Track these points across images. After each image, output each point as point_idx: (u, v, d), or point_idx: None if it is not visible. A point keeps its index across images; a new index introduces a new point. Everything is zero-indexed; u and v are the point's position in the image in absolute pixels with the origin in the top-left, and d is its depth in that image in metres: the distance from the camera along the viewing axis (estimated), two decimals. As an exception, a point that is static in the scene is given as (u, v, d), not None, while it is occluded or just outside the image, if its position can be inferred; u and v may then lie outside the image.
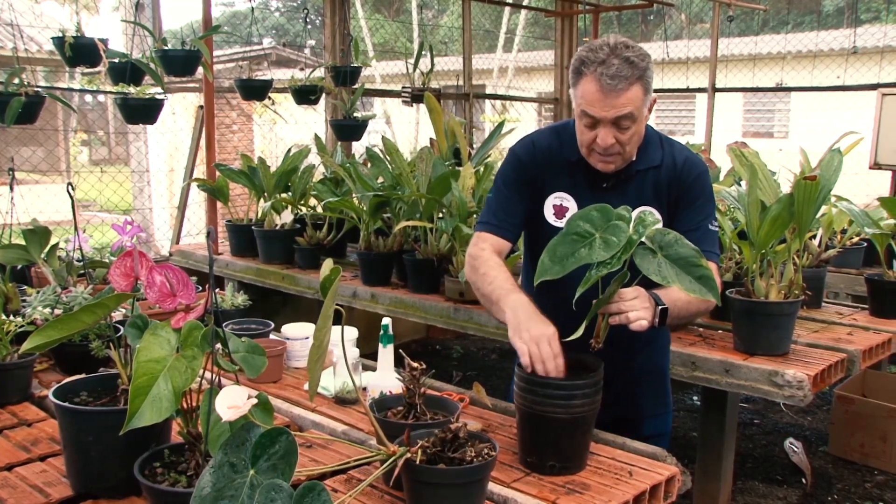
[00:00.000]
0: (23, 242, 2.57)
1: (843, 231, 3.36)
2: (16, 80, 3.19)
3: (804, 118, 12.30)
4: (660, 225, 1.51)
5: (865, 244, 3.48)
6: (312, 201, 4.05)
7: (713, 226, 1.90)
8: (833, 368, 2.38)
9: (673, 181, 1.89)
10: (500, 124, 3.70)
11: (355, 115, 4.50)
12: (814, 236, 3.11)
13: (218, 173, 4.01)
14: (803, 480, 3.55)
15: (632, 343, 1.89)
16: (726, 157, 2.58)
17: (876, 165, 5.14)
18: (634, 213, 1.70)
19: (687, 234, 1.65)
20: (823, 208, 2.93)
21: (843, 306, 3.10)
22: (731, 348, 2.48)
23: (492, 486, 1.47)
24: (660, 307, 1.64)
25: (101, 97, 10.47)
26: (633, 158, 1.87)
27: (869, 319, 2.88)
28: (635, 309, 1.60)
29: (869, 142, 4.99)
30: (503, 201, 1.96)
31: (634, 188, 1.89)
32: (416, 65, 4.88)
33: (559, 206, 1.95)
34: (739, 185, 2.99)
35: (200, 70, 3.82)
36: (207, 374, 1.31)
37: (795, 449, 3.73)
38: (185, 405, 1.34)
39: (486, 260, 1.87)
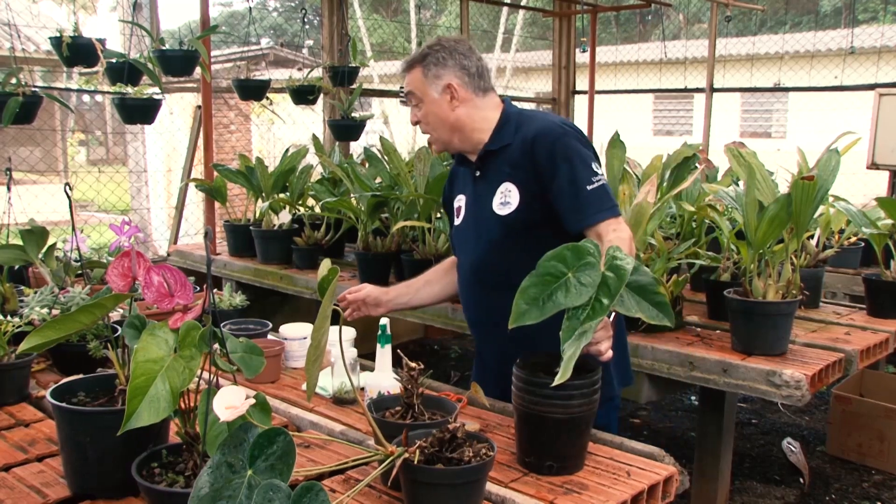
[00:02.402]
0: (20, 243, 2.57)
1: (841, 231, 3.37)
2: (13, 80, 3.19)
3: (802, 118, 12.32)
4: (627, 262, 1.47)
5: (863, 244, 3.48)
6: (310, 201, 4.05)
7: (593, 184, 1.90)
8: (831, 368, 2.39)
9: (526, 155, 1.96)
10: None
11: (353, 115, 4.50)
12: (811, 236, 3.11)
13: (216, 173, 4.01)
14: (801, 480, 3.55)
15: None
16: (724, 157, 2.58)
17: (873, 165, 5.15)
18: (497, 192, 1.98)
19: (568, 203, 1.83)
20: (821, 208, 2.94)
21: (840, 306, 3.11)
22: (728, 348, 2.48)
23: (490, 486, 1.47)
24: (611, 318, 1.67)
25: (98, 97, 10.46)
26: (454, 141, 2.06)
27: (866, 319, 2.88)
28: (602, 340, 1.64)
29: (866, 142, 5.00)
30: None
31: (493, 168, 2.04)
32: (414, 65, 4.87)
33: (457, 208, 2.16)
34: (737, 185, 2.99)
35: (198, 70, 3.82)
36: (205, 375, 1.31)
37: (793, 449, 3.74)
38: (182, 405, 1.34)
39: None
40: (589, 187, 1.89)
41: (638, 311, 1.48)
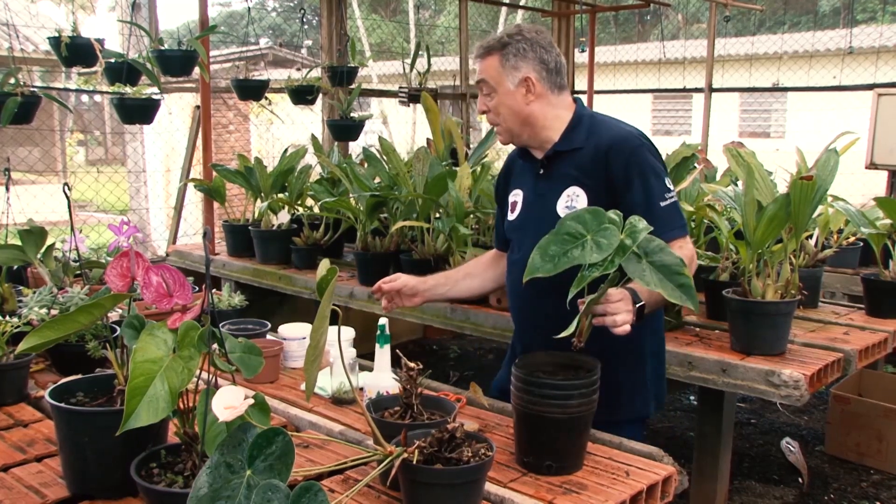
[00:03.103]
0: (19, 243, 2.57)
1: (840, 231, 3.37)
2: (12, 80, 3.18)
3: (801, 118, 12.33)
4: (643, 226, 1.50)
5: (862, 244, 3.48)
6: (309, 201, 4.05)
7: (666, 201, 1.89)
8: (829, 368, 2.39)
9: (598, 163, 1.92)
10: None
11: (352, 115, 4.50)
12: (810, 236, 3.11)
13: (214, 173, 4.01)
14: (800, 480, 3.55)
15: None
16: (723, 157, 2.58)
17: (872, 165, 5.15)
18: (563, 194, 1.93)
19: (640, 214, 1.71)
20: (820, 208, 2.93)
21: (839, 306, 3.11)
22: (727, 348, 2.48)
23: (489, 486, 1.47)
24: (638, 305, 1.66)
25: (97, 97, 10.46)
26: (524, 136, 2.02)
27: (865, 319, 2.88)
28: (619, 312, 1.62)
29: (865, 142, 5.01)
30: None
31: (559, 170, 1.98)
32: (412, 65, 4.88)
33: (512, 203, 2.10)
34: (736, 185, 2.99)
35: (197, 70, 3.82)
36: (204, 375, 1.31)
37: (792, 448, 3.74)
38: (181, 406, 1.34)
39: None
40: (662, 203, 1.88)
41: (659, 287, 1.48)
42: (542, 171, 2.02)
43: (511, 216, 2.09)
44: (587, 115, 2.01)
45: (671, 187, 1.92)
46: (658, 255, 1.50)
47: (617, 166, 1.89)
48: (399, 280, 2.14)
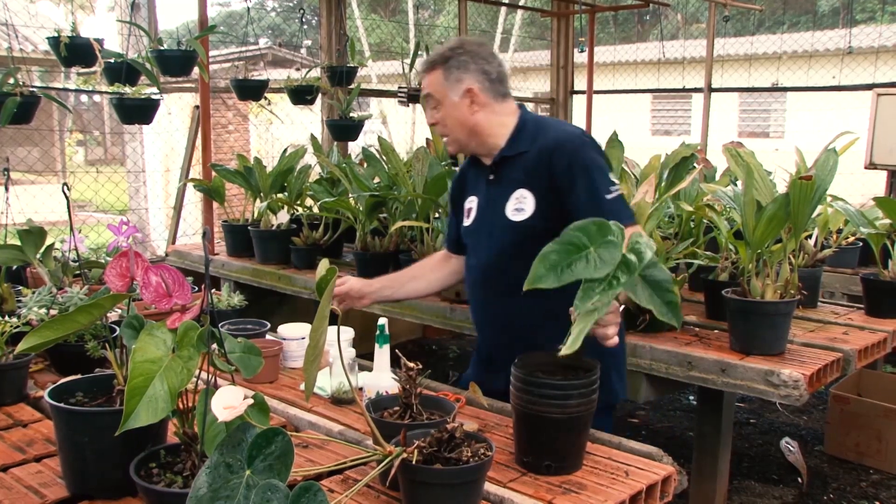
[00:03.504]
0: (18, 243, 2.56)
1: (839, 231, 3.37)
2: (11, 80, 3.18)
3: (800, 118, 12.33)
4: (645, 241, 1.49)
5: (861, 244, 3.48)
6: (309, 201, 4.05)
7: (611, 194, 1.93)
8: (829, 368, 2.39)
9: (543, 165, 1.97)
10: (497, 124, 3.69)
11: (351, 115, 4.50)
12: (809, 236, 3.11)
13: (214, 173, 4.01)
14: (799, 480, 3.56)
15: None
16: (722, 156, 2.58)
17: (871, 165, 5.15)
18: (511, 197, 1.99)
19: (587, 213, 1.76)
20: (819, 208, 2.94)
21: (838, 306, 3.11)
22: (727, 348, 2.48)
23: (488, 486, 1.47)
24: (622, 310, 1.70)
25: (96, 97, 10.45)
26: (472, 144, 2.08)
27: (864, 319, 2.88)
28: (610, 324, 1.64)
29: (864, 142, 5.01)
30: None
31: (507, 175, 2.05)
32: (412, 65, 4.87)
33: (468, 209, 2.17)
34: (735, 185, 2.99)
35: (196, 70, 3.82)
36: (203, 375, 1.31)
37: (791, 448, 3.74)
38: (181, 406, 1.34)
39: None
40: (608, 197, 1.92)
41: (649, 303, 1.48)
42: (491, 177, 2.09)
43: (466, 222, 2.17)
44: (531, 120, 2.08)
45: (615, 181, 1.97)
46: (651, 269, 1.49)
47: (560, 166, 1.95)
48: (346, 284, 2.19)
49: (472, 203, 2.17)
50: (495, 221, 2.05)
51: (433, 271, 2.33)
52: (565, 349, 1.43)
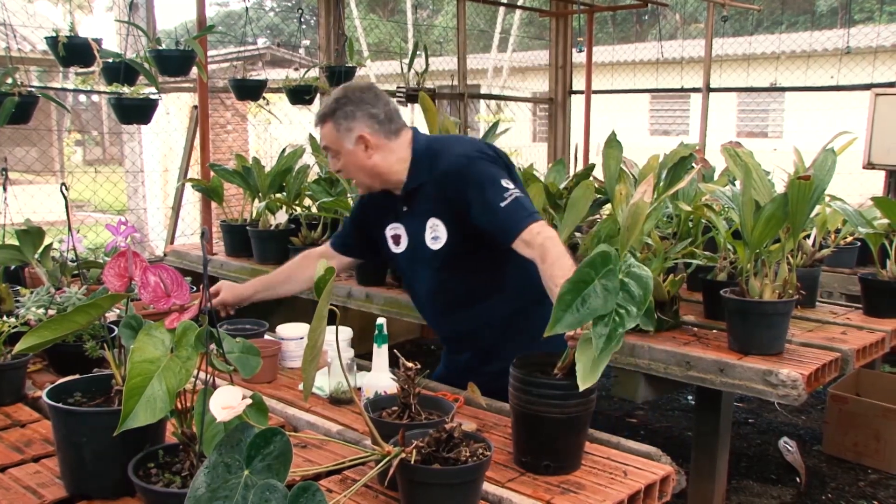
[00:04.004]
0: (16, 243, 2.56)
1: (837, 231, 3.37)
2: (9, 80, 3.18)
3: (798, 118, 12.34)
4: (632, 261, 1.48)
5: (859, 244, 3.49)
6: (307, 201, 4.04)
7: (506, 200, 1.96)
8: (827, 368, 2.39)
9: (441, 193, 2.06)
10: (495, 124, 3.69)
11: (350, 115, 4.48)
12: (808, 236, 3.12)
13: (212, 173, 4.00)
14: (797, 479, 3.56)
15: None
16: (720, 156, 2.58)
17: (869, 165, 5.16)
18: (426, 227, 2.10)
19: (490, 226, 1.93)
20: (817, 208, 2.94)
21: (836, 306, 3.11)
22: (725, 348, 2.48)
23: (486, 486, 1.47)
24: None
25: (94, 97, 10.44)
26: (377, 184, 2.14)
27: (863, 319, 2.88)
28: None
29: (862, 142, 5.01)
30: None
31: (418, 206, 2.14)
32: (410, 65, 4.87)
33: (395, 235, 2.24)
34: (734, 184, 2.99)
35: (195, 70, 3.81)
36: (202, 375, 1.31)
37: (790, 448, 3.74)
38: (179, 406, 1.34)
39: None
40: (502, 204, 1.95)
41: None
42: (405, 209, 2.18)
43: (397, 248, 2.24)
44: (423, 148, 2.12)
45: (509, 185, 1.99)
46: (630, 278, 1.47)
47: (454, 192, 2.03)
48: (218, 297, 2.28)
49: (399, 230, 2.23)
50: (422, 251, 2.15)
51: (305, 271, 2.38)
52: (583, 384, 1.39)
